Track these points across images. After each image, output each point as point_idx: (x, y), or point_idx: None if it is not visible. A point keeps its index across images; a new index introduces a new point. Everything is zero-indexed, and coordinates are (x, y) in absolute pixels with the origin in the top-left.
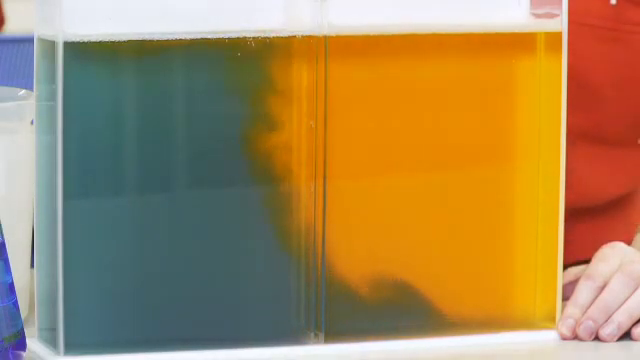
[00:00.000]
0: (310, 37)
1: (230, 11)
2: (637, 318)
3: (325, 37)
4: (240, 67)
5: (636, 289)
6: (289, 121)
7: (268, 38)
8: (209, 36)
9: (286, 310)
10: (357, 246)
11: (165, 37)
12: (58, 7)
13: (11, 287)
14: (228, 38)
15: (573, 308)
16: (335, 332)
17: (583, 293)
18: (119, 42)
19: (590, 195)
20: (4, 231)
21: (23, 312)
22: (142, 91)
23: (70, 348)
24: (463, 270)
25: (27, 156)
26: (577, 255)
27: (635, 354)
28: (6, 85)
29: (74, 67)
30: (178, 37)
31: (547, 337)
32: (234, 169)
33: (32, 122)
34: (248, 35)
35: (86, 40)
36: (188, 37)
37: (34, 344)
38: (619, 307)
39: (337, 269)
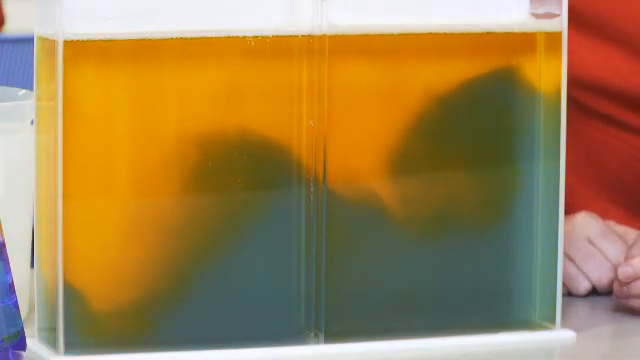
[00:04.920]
0: (310, 37)
1: (230, 10)
2: None
3: (325, 37)
4: (240, 66)
5: None
6: (289, 120)
7: (268, 38)
8: (209, 35)
9: (286, 310)
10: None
11: (165, 36)
12: (58, 6)
13: (11, 287)
14: (228, 37)
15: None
16: (335, 332)
17: None
18: (119, 41)
19: None
20: (4, 231)
21: (23, 312)
22: (142, 90)
23: (70, 348)
24: (463, 270)
25: (27, 156)
26: None
27: (635, 353)
28: (6, 85)
29: (74, 67)
30: (178, 36)
31: (547, 337)
32: (232, 169)
33: (32, 122)
34: (248, 35)
35: (86, 39)
36: (188, 36)
37: (34, 344)
38: None
39: (337, 271)
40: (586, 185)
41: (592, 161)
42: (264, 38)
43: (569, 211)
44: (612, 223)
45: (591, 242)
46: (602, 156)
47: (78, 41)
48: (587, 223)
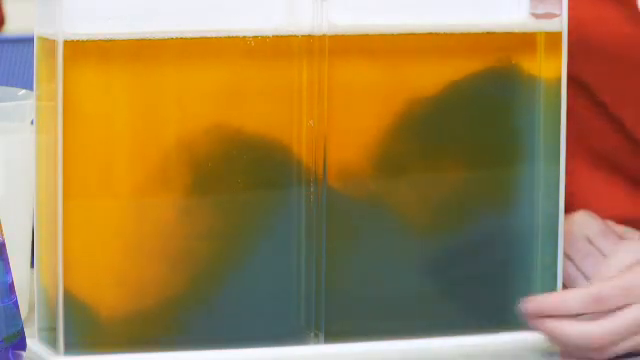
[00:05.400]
0: (310, 37)
1: (230, 10)
2: None
3: (325, 37)
4: (240, 66)
5: None
6: (289, 120)
7: (268, 38)
8: (209, 35)
9: (286, 310)
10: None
11: (165, 36)
12: (58, 6)
13: (11, 287)
14: (228, 37)
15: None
16: (335, 332)
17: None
18: (119, 41)
19: None
20: (4, 231)
21: (23, 312)
22: (142, 90)
23: (70, 348)
24: (463, 270)
25: (27, 156)
26: None
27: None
28: (6, 85)
29: (74, 66)
30: (178, 36)
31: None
32: (232, 169)
33: (32, 122)
34: (248, 35)
35: (86, 39)
36: (188, 36)
37: (34, 344)
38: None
39: (337, 271)
40: (581, 166)
41: (585, 146)
42: (264, 38)
43: (569, 209)
44: (611, 222)
45: (590, 242)
46: (595, 141)
47: (78, 41)
48: (586, 222)
